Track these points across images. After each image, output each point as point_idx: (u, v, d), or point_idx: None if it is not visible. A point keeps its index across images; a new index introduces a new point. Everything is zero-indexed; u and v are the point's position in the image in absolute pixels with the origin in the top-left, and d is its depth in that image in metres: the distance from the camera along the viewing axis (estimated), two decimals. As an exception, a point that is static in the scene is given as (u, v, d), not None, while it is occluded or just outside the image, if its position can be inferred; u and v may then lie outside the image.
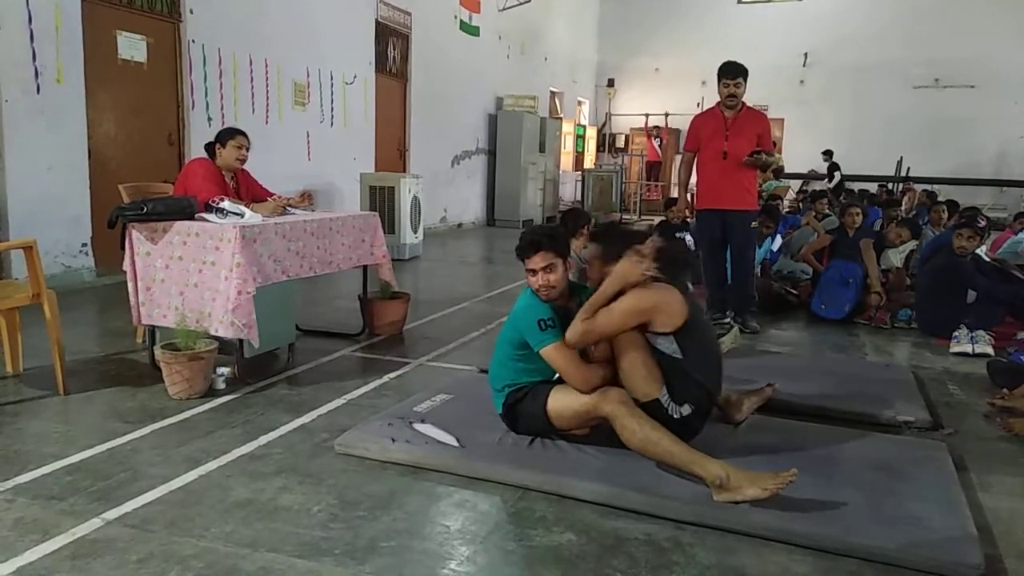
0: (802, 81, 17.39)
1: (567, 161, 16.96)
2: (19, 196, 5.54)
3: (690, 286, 4.14)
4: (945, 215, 7.55)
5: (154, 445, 2.91)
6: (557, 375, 2.87)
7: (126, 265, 3.74)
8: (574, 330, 2.75)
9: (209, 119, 7.18)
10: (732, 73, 5.11)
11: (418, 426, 2.96)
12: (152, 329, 3.76)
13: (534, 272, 2.86)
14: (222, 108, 7.35)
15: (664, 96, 18.23)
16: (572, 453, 2.80)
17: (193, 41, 7.00)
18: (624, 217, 14.96)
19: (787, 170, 15.12)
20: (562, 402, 2.81)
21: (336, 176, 9.13)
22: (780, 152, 15.62)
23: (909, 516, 2.40)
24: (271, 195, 4.42)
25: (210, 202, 3.75)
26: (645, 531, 2.33)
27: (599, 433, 2.81)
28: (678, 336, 2.74)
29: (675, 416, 2.72)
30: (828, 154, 15.18)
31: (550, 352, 2.77)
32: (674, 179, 15.55)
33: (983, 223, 5.89)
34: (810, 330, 5.51)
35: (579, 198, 15.89)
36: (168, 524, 2.28)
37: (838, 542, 2.25)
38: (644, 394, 2.72)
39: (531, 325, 2.79)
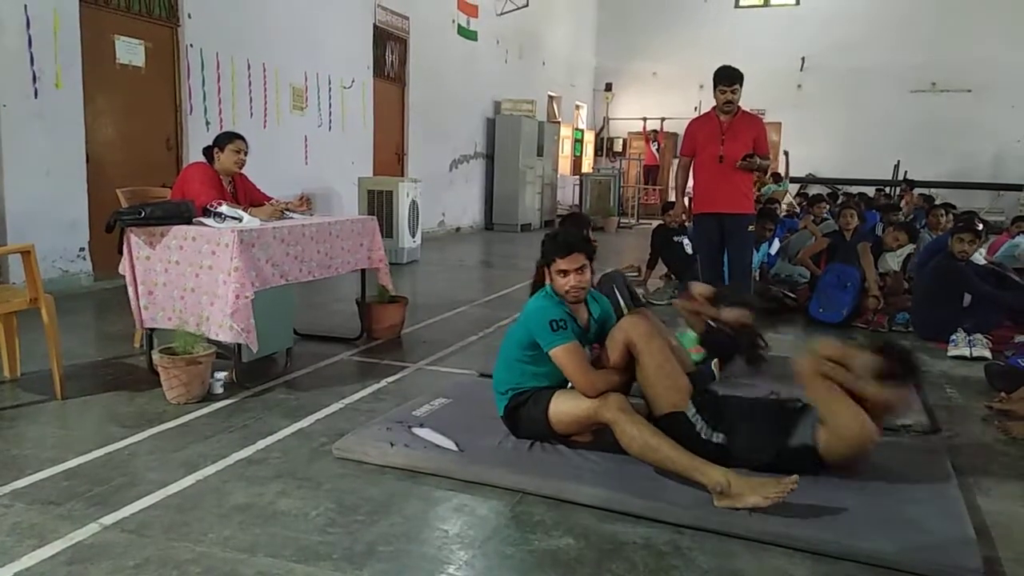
0: (799, 85, 17.43)
1: (565, 165, 16.98)
2: (17, 200, 5.53)
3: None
4: (944, 219, 7.56)
5: (152, 450, 2.90)
6: (569, 384, 2.87)
7: (123, 269, 3.73)
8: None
9: (207, 123, 7.19)
10: (729, 80, 5.13)
11: (417, 430, 2.96)
12: (150, 333, 3.75)
13: (565, 273, 2.85)
14: (220, 112, 7.35)
15: (662, 100, 18.26)
16: (571, 457, 2.79)
17: (191, 45, 7.00)
18: (622, 221, 14.98)
19: (783, 174, 15.15)
20: (564, 407, 2.81)
21: (334, 180, 9.13)
22: (776, 157, 15.64)
23: (907, 520, 2.40)
24: (269, 199, 4.42)
25: (208, 206, 3.75)
26: (644, 535, 2.33)
27: (601, 438, 2.81)
28: None
29: (702, 435, 2.69)
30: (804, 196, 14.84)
31: (559, 353, 2.77)
32: (672, 183, 15.60)
33: (980, 227, 5.90)
34: (808, 334, 5.51)
35: (577, 202, 15.89)
36: (166, 529, 2.28)
37: (837, 546, 2.24)
38: (671, 404, 2.71)
39: (543, 325, 2.80)
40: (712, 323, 3.82)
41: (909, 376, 2.75)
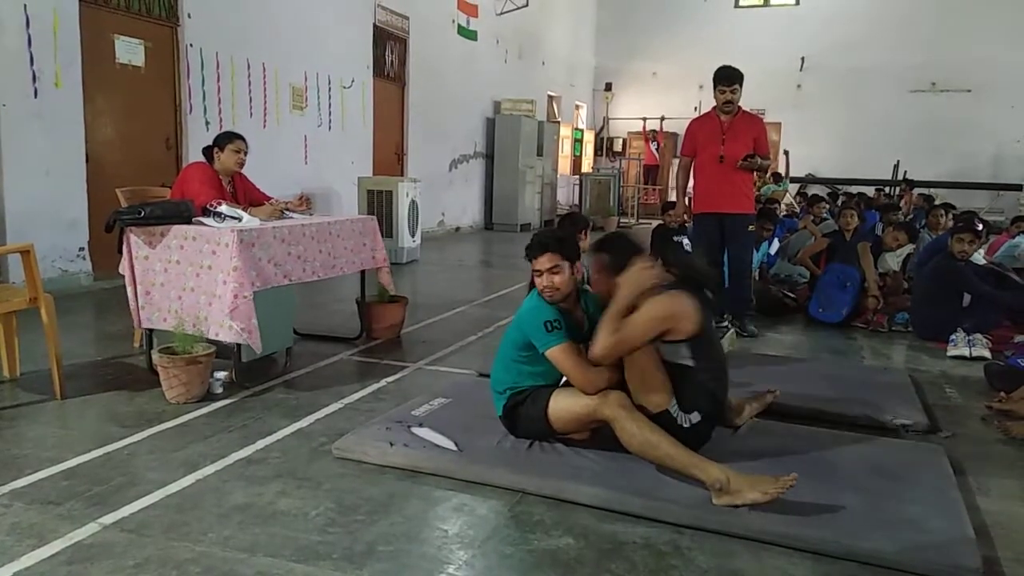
0: (799, 85, 17.43)
1: (564, 165, 16.98)
2: (16, 200, 5.53)
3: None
4: (943, 219, 7.56)
5: (151, 449, 2.90)
6: (563, 380, 2.86)
7: (123, 268, 3.73)
8: (602, 345, 2.71)
9: (207, 123, 7.18)
10: (729, 80, 5.13)
11: (416, 430, 2.96)
12: (149, 333, 3.75)
13: (540, 273, 2.86)
14: (220, 112, 7.35)
15: (661, 100, 18.26)
16: (571, 457, 2.79)
17: (191, 45, 7.00)
18: (621, 221, 14.98)
19: (783, 173, 15.15)
20: (562, 405, 2.81)
21: (334, 180, 9.13)
22: (777, 156, 15.64)
23: (907, 519, 2.40)
24: (269, 199, 4.42)
25: (208, 206, 3.75)
26: (644, 535, 2.33)
27: (600, 436, 2.81)
28: (691, 343, 2.73)
29: (684, 425, 2.70)
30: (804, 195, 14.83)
31: (555, 354, 2.77)
32: (672, 183, 15.59)
33: (980, 227, 5.91)
34: (807, 334, 5.51)
35: (576, 202, 15.90)
36: (165, 529, 2.28)
37: (837, 545, 2.24)
38: (655, 404, 2.71)
39: (537, 326, 2.80)
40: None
41: (619, 247, 2.89)
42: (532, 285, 3.22)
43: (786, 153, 14.79)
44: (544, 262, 2.84)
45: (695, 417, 2.72)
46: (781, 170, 14.49)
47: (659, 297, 2.76)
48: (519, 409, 2.91)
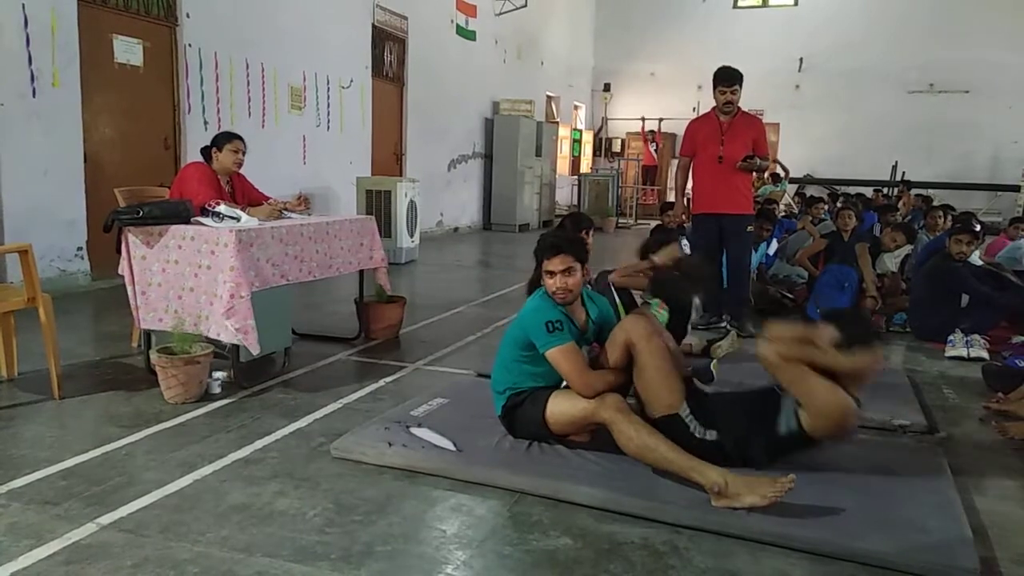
0: (797, 86, 17.45)
1: (563, 165, 16.99)
2: (15, 200, 5.52)
3: (698, 300, 4.19)
4: (942, 220, 7.58)
5: (149, 449, 2.90)
6: (564, 383, 2.87)
7: (122, 269, 3.73)
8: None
9: (205, 123, 7.18)
10: (729, 80, 5.13)
11: (415, 430, 2.96)
12: (148, 333, 3.75)
13: (552, 274, 2.85)
14: (218, 112, 7.35)
15: (660, 100, 18.27)
16: (569, 457, 2.79)
17: (189, 45, 7.00)
18: (620, 221, 14.98)
19: (781, 174, 15.13)
20: (561, 407, 2.81)
21: (332, 180, 9.13)
22: (775, 157, 15.64)
23: (905, 520, 2.40)
24: (267, 199, 4.42)
25: (206, 206, 3.74)
26: (642, 535, 2.33)
27: (598, 438, 2.81)
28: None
29: (696, 434, 2.69)
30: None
31: (555, 355, 2.77)
32: (670, 183, 15.59)
33: (978, 228, 5.92)
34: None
35: (575, 202, 15.89)
36: (163, 529, 2.28)
37: (834, 546, 2.25)
38: (666, 406, 2.71)
39: (539, 326, 2.80)
40: (651, 273, 3.93)
41: (867, 335, 2.76)
42: (532, 284, 3.23)
43: (780, 164, 14.67)
44: (558, 263, 2.84)
45: (711, 435, 2.70)
46: (780, 172, 14.48)
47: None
48: (518, 409, 2.91)
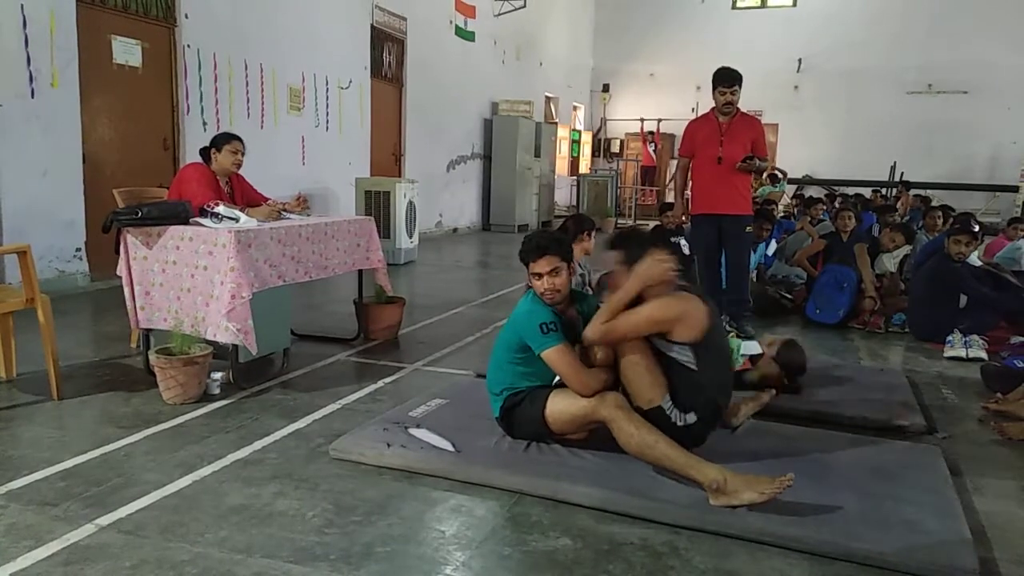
0: (796, 87, 17.46)
1: (562, 166, 16.99)
2: (13, 200, 5.52)
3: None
4: (940, 220, 7.58)
5: (148, 450, 2.90)
6: (556, 380, 2.87)
7: (120, 270, 3.73)
8: (594, 329, 2.74)
9: (204, 124, 7.18)
10: (728, 81, 5.13)
11: (414, 431, 2.96)
12: (147, 334, 3.75)
13: (539, 276, 2.86)
14: (217, 113, 7.35)
15: (659, 101, 18.27)
16: (568, 458, 2.79)
17: (188, 46, 6.99)
18: (619, 222, 14.98)
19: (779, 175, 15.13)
20: (559, 406, 2.81)
21: (331, 181, 9.13)
22: (775, 158, 15.66)
23: (904, 520, 2.40)
24: (266, 200, 4.42)
25: (205, 207, 3.74)
26: (641, 536, 2.33)
27: (597, 437, 2.81)
28: (695, 347, 2.73)
29: (678, 423, 2.71)
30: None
31: (551, 355, 2.77)
32: (669, 184, 15.60)
33: (977, 228, 5.92)
34: (805, 334, 5.51)
35: (574, 203, 15.89)
36: (162, 530, 2.28)
37: (834, 546, 2.25)
38: (647, 400, 2.72)
39: (533, 328, 2.80)
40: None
41: (634, 242, 2.88)
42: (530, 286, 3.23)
43: (777, 170, 14.58)
44: (543, 265, 2.84)
45: (691, 417, 2.72)
46: (778, 174, 14.48)
47: (669, 298, 2.76)
48: (516, 410, 2.91)
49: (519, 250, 2.97)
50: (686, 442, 2.65)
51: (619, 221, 15.11)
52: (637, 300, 2.77)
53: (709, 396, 2.76)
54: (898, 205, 11.75)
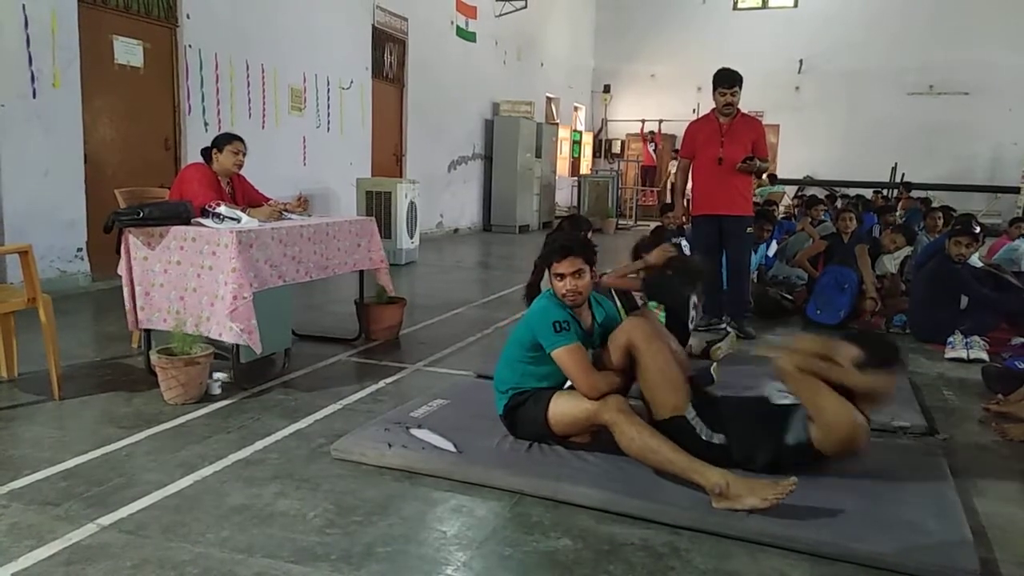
0: (797, 87, 17.46)
1: (563, 166, 16.99)
2: (15, 200, 5.53)
3: (695, 299, 4.19)
4: (941, 221, 7.58)
5: (149, 450, 2.90)
6: (568, 383, 2.87)
7: (121, 269, 3.73)
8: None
9: (205, 124, 7.18)
10: (729, 82, 5.13)
11: (415, 431, 2.96)
12: (148, 334, 3.75)
13: (562, 277, 2.85)
14: (218, 113, 7.35)
15: (660, 102, 18.28)
16: (569, 458, 2.79)
17: (190, 46, 7.00)
18: (620, 223, 14.99)
19: (781, 176, 15.15)
20: (563, 408, 2.81)
21: (332, 181, 9.13)
22: (776, 159, 15.66)
23: (905, 521, 2.40)
24: (267, 200, 4.42)
25: (206, 207, 3.74)
26: (642, 536, 2.33)
27: (599, 439, 2.81)
28: None
29: (702, 436, 2.69)
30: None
31: (562, 355, 2.78)
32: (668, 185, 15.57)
33: (978, 229, 5.92)
34: (805, 335, 5.51)
35: (575, 203, 15.90)
36: (163, 530, 2.28)
37: (834, 547, 2.25)
38: (672, 407, 2.72)
39: (546, 326, 2.80)
40: (643, 274, 3.92)
41: (890, 360, 2.76)
42: (530, 287, 3.24)
43: (773, 175, 14.55)
44: (567, 266, 2.84)
45: (719, 439, 2.70)
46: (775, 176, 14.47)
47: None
48: (520, 409, 2.91)
49: (542, 250, 2.96)
50: (707, 458, 2.59)
51: (620, 222, 15.13)
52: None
53: (741, 427, 2.73)
54: (899, 206, 11.76)
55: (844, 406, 2.60)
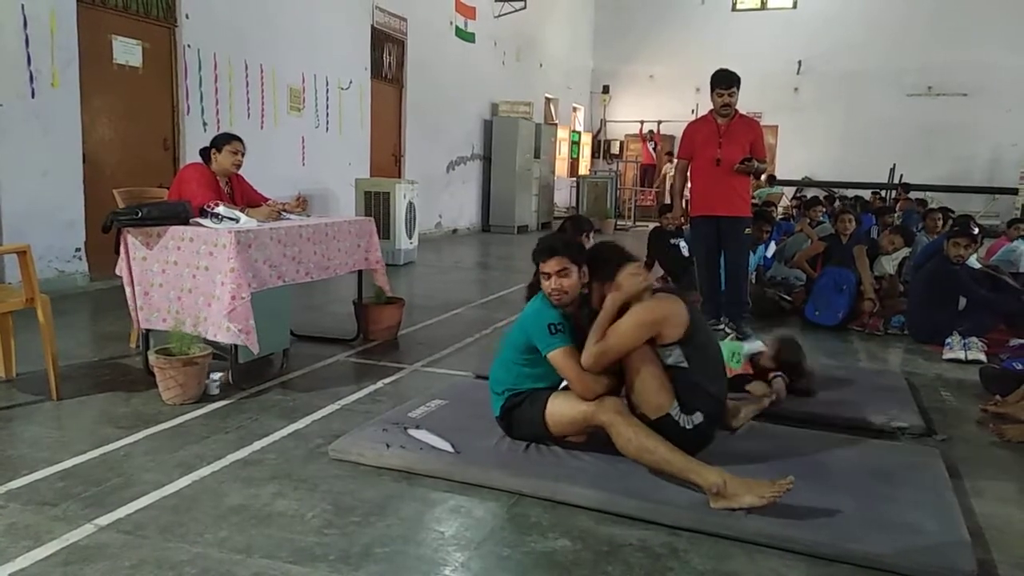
0: (796, 88, 17.47)
1: (562, 167, 16.99)
2: (13, 200, 5.52)
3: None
4: (940, 223, 7.58)
5: (147, 451, 2.90)
6: (563, 384, 2.87)
7: (120, 269, 3.73)
8: (589, 354, 2.74)
9: (204, 124, 7.18)
10: (726, 82, 5.13)
11: (413, 432, 2.96)
12: (146, 334, 3.75)
13: (548, 276, 2.86)
14: (217, 113, 7.35)
15: (659, 103, 18.29)
16: (567, 459, 2.80)
17: (188, 46, 7.00)
18: (618, 223, 14.99)
19: (780, 177, 15.16)
20: (560, 408, 2.81)
21: (331, 181, 9.13)
22: (774, 160, 15.67)
23: (903, 522, 2.41)
24: (266, 200, 4.42)
25: (205, 207, 3.74)
26: (640, 537, 2.33)
27: (597, 439, 2.82)
28: (683, 345, 2.75)
29: (687, 427, 2.71)
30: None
31: (557, 356, 2.78)
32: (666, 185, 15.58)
33: (976, 231, 5.93)
34: (804, 336, 5.50)
35: (574, 204, 15.90)
36: (161, 530, 2.28)
37: (832, 548, 2.25)
38: (657, 407, 2.72)
39: (541, 329, 2.81)
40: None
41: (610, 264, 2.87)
42: (531, 287, 3.24)
43: (772, 176, 14.53)
44: (552, 265, 2.85)
45: (697, 418, 2.73)
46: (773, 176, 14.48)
47: (645, 302, 2.78)
48: (516, 410, 2.92)
49: (533, 251, 2.97)
50: (695, 444, 2.66)
51: (618, 222, 15.13)
52: (620, 316, 2.79)
53: (707, 390, 2.77)
54: (897, 208, 11.77)
55: (629, 318, 2.75)
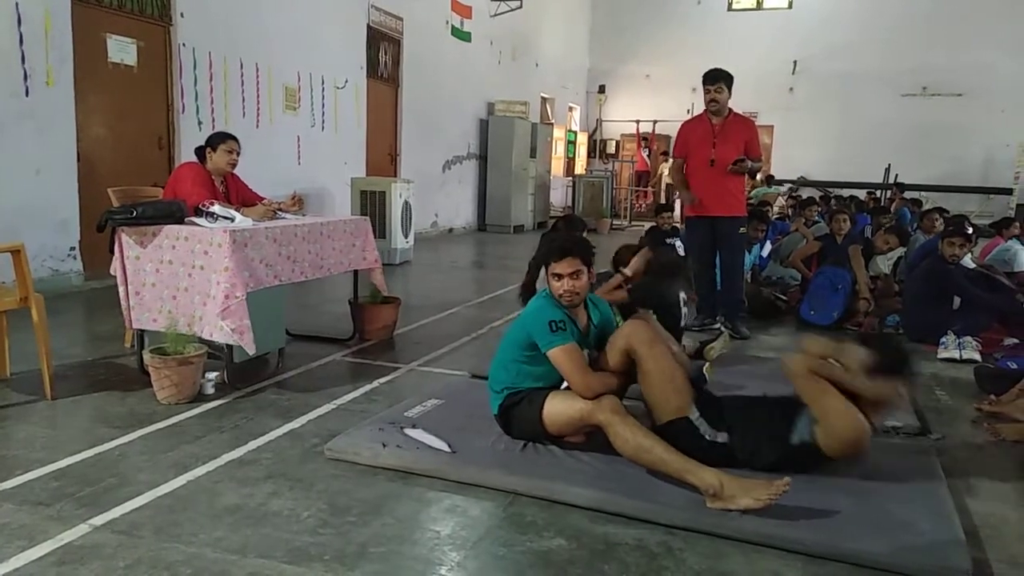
0: (791, 89, 17.51)
1: (558, 167, 17.00)
2: (7, 199, 5.50)
3: (683, 295, 4.21)
4: (938, 223, 7.60)
5: (142, 450, 2.89)
6: (563, 384, 2.87)
7: (114, 269, 3.72)
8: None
9: (199, 123, 7.16)
10: (713, 79, 5.14)
11: (409, 431, 2.96)
12: (141, 333, 3.74)
13: (559, 277, 2.85)
14: (212, 112, 7.33)
15: (654, 103, 18.31)
16: (564, 458, 2.80)
17: (184, 45, 6.98)
18: (614, 223, 15.01)
19: (776, 176, 15.19)
20: (558, 408, 2.81)
21: (327, 180, 9.12)
22: (770, 160, 15.70)
23: (898, 521, 2.41)
24: (261, 199, 4.41)
25: (200, 206, 3.73)
26: (636, 536, 2.34)
27: (594, 439, 2.82)
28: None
29: (707, 437, 2.70)
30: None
31: (557, 354, 2.78)
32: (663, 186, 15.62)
33: (970, 230, 5.95)
34: (799, 336, 5.52)
35: (569, 204, 15.91)
36: (156, 530, 2.27)
37: (828, 547, 2.25)
38: (675, 408, 2.72)
39: (542, 326, 2.80)
40: (627, 286, 3.96)
41: (900, 368, 2.76)
42: (525, 287, 3.23)
43: (770, 177, 14.58)
44: (566, 266, 2.84)
45: (722, 437, 2.71)
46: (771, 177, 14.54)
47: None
48: (515, 409, 2.91)
49: (537, 250, 2.97)
50: (711, 459, 2.60)
51: (614, 222, 15.15)
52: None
53: (749, 420, 2.75)
54: (891, 208, 11.80)
55: (850, 410, 2.61)
